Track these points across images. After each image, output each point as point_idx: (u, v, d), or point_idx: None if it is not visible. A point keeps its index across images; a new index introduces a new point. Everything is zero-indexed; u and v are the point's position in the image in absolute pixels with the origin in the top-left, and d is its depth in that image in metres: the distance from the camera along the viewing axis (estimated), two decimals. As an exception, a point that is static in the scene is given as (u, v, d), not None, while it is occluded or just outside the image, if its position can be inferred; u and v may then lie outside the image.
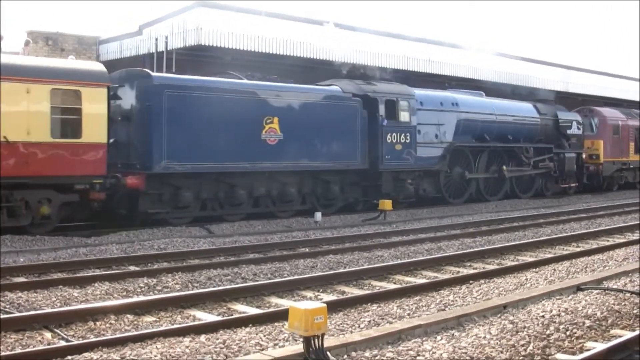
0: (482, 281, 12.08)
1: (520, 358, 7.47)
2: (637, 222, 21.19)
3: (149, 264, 13.89)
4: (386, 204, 22.52)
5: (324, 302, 8.64)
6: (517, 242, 16.86)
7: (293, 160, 21.81)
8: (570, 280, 11.71)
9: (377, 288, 11.81)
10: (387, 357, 7.37)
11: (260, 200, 21.73)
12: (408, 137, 24.94)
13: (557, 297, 10.08)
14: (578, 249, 15.98)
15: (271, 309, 10.03)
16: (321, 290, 11.65)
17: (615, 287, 10.73)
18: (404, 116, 24.91)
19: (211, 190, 20.50)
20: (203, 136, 19.69)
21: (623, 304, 9.73)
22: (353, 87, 24.27)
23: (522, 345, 7.80)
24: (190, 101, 19.54)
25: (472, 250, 15.72)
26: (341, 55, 28.14)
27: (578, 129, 34.05)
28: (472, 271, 13.28)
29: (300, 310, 6.94)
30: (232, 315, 9.79)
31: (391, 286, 11.92)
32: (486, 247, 16.07)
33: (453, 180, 27.73)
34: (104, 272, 12.60)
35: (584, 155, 34.68)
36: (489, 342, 7.87)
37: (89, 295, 10.80)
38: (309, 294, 11.34)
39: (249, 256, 14.92)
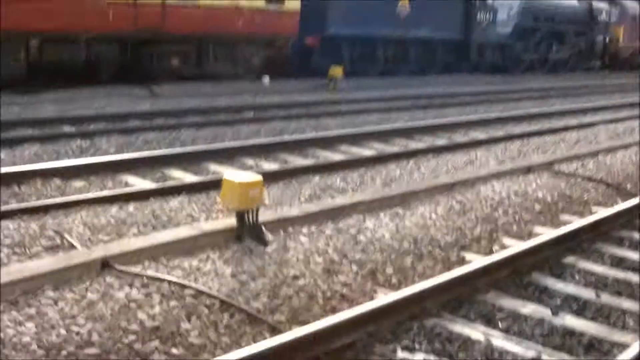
0: (431, 156, 11.62)
1: (467, 241, 7.10)
2: (591, 105, 20.91)
3: (85, 125, 13.18)
4: (336, 71, 21.89)
5: (262, 173, 8.11)
6: (468, 118, 16.42)
7: (416, 30, 27.09)
8: (521, 160, 11.34)
9: (321, 158, 11.32)
10: (325, 234, 6.93)
11: (388, 60, 27.16)
12: (490, 16, 30.96)
13: (508, 178, 9.71)
14: (530, 128, 15.59)
15: (208, 177, 9.47)
16: (263, 158, 11.09)
17: (566, 171, 10.40)
18: None
19: (359, 50, 26.00)
20: (358, 8, 24.62)
21: (574, 188, 9.40)
22: None
23: (469, 228, 7.43)
24: None
25: (421, 123, 15.22)
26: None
27: (606, 16, 39.41)
28: (421, 145, 12.86)
29: (234, 182, 6.44)
30: (166, 181, 9.23)
31: (336, 156, 11.45)
32: (437, 122, 15.60)
33: (515, 52, 33.20)
34: (35, 133, 11.91)
35: (607, 40, 40.38)
36: (434, 223, 7.48)
37: (16, 158, 10.10)
38: (249, 161, 10.75)
39: (190, 119, 14.28)
